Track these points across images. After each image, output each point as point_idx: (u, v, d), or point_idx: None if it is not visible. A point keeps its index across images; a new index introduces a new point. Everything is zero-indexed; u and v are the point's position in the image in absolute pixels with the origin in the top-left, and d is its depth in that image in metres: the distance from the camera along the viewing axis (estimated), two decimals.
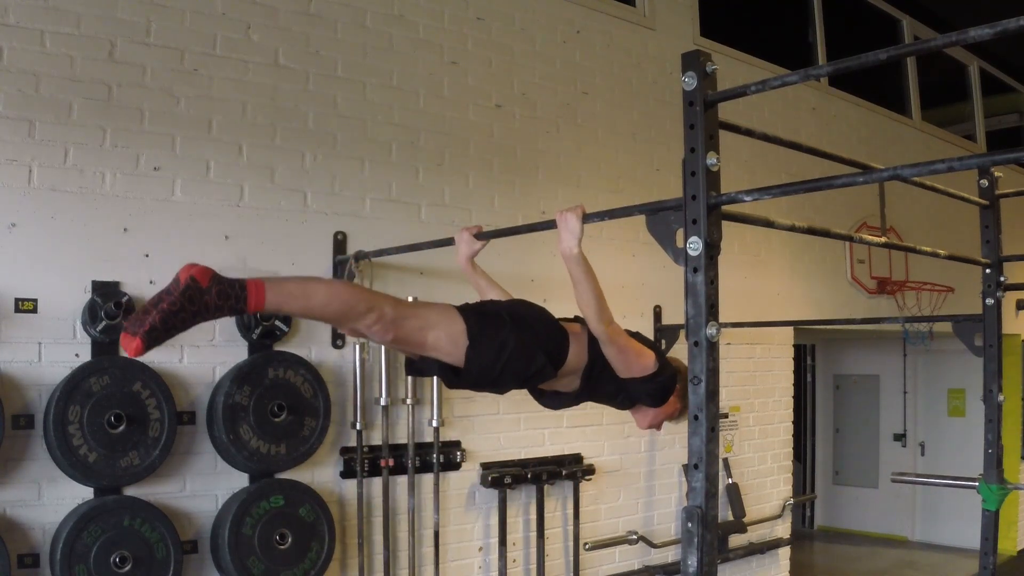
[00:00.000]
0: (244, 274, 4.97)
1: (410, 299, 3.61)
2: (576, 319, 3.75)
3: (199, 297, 2.96)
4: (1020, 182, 7.24)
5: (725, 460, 7.65)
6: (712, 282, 2.93)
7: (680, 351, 3.41)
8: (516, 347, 3.48)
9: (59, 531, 4.38)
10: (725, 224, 3.03)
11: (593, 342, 3.60)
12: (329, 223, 5.42)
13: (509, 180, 6.32)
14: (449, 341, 3.41)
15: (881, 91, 10.23)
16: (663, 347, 7.12)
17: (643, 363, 3.62)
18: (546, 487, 6.29)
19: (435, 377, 4.16)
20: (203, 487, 4.91)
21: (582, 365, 3.66)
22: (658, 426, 3.89)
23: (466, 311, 3.52)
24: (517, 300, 3.85)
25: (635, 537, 6.76)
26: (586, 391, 3.76)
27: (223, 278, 3.02)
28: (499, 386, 3.67)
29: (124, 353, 3.40)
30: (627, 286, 6.94)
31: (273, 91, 5.27)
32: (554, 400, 3.86)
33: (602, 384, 3.71)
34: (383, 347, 5.50)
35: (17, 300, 4.40)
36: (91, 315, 4.51)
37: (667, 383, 3.70)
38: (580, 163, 6.79)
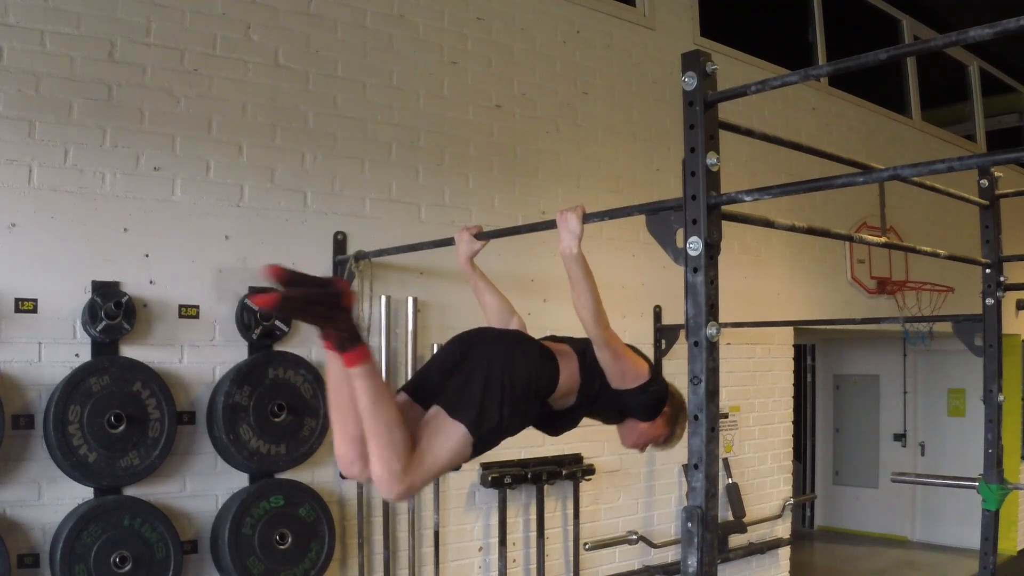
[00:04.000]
0: (245, 274, 5.02)
1: (399, 399, 3.40)
2: (563, 340, 3.74)
3: (333, 313, 3.00)
4: (1020, 182, 7.25)
5: (725, 460, 7.65)
6: (712, 282, 2.93)
7: (680, 351, 3.41)
8: (511, 413, 3.38)
9: (59, 531, 4.38)
10: (725, 224, 3.03)
11: (584, 360, 3.57)
12: (329, 223, 5.42)
13: (509, 180, 6.32)
14: (459, 457, 3.37)
15: (881, 91, 10.23)
16: (663, 347, 7.13)
17: (637, 371, 3.57)
18: (546, 487, 6.29)
19: None
20: (203, 487, 4.91)
21: (576, 384, 3.59)
22: (642, 447, 3.81)
23: (462, 415, 3.35)
24: (493, 350, 3.53)
25: (635, 537, 6.77)
26: (584, 407, 3.68)
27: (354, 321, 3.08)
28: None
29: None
30: (627, 286, 6.95)
31: (273, 91, 5.27)
32: (554, 427, 3.78)
33: (597, 399, 3.64)
34: (383, 348, 5.50)
35: (17, 300, 4.40)
36: (91, 315, 4.50)
37: (660, 394, 3.66)
38: (580, 163, 6.79)
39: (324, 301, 2.99)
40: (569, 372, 3.57)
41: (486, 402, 3.33)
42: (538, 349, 3.60)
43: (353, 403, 3.16)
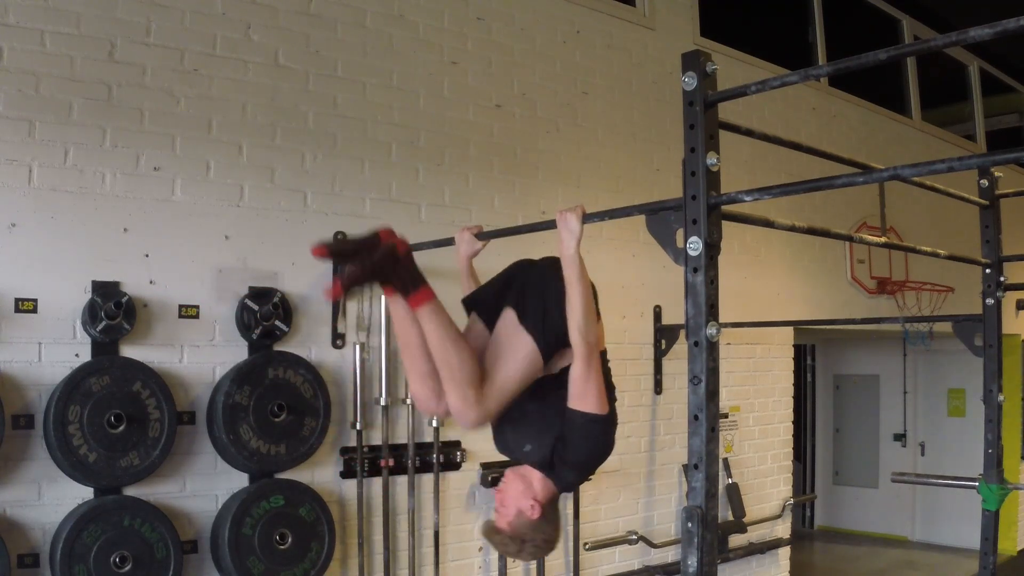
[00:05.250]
0: (245, 274, 5.02)
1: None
2: None
3: (392, 264, 3.29)
4: (1020, 182, 7.24)
5: (725, 460, 7.65)
6: (712, 282, 2.94)
7: (680, 351, 3.40)
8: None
9: (59, 531, 4.38)
10: (725, 224, 3.03)
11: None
12: (329, 223, 5.42)
13: (509, 180, 6.32)
14: (531, 371, 3.48)
15: (881, 91, 10.22)
16: (663, 347, 7.14)
17: (599, 399, 3.44)
18: None
19: None
20: (203, 487, 4.91)
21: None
22: (507, 520, 3.54)
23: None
24: (545, 268, 3.68)
25: (635, 537, 6.77)
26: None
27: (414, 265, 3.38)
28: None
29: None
30: (627, 286, 6.95)
31: (273, 91, 5.27)
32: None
33: (547, 396, 3.53)
34: (383, 347, 5.50)
35: (17, 300, 4.40)
36: (91, 315, 4.50)
37: (605, 436, 3.52)
38: (580, 163, 6.79)
39: (381, 261, 3.24)
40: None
41: (549, 306, 3.47)
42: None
43: (421, 342, 3.40)
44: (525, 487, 3.53)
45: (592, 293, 3.50)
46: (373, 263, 3.22)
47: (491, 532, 3.59)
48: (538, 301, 3.51)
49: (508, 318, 3.56)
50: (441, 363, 3.34)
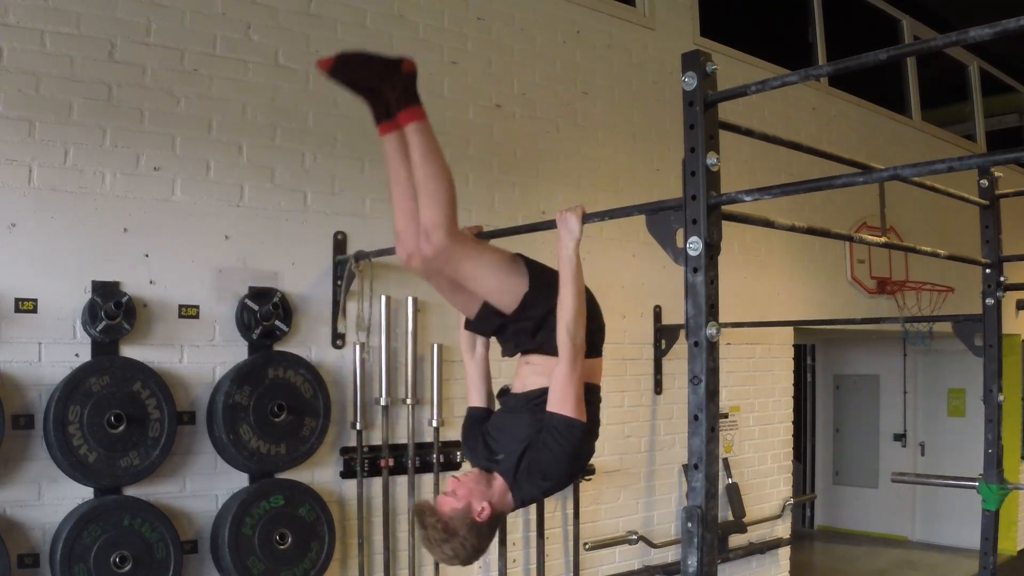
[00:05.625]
0: (245, 274, 5.02)
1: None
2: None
3: (390, 74, 3.48)
4: (1020, 182, 7.24)
5: (725, 460, 7.65)
6: (712, 282, 2.94)
7: (680, 351, 3.40)
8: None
9: (59, 531, 4.38)
10: (725, 224, 3.03)
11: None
12: (329, 223, 5.42)
13: (509, 180, 6.32)
14: (501, 267, 3.55)
15: (881, 91, 10.23)
16: (663, 347, 7.14)
17: (578, 404, 3.35)
18: None
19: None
20: (203, 487, 4.91)
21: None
22: (452, 508, 3.39)
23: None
24: None
25: (635, 537, 6.77)
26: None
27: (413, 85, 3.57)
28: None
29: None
30: (627, 286, 6.95)
31: (273, 91, 5.27)
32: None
33: (524, 410, 3.51)
34: (383, 347, 5.50)
35: (17, 300, 4.40)
36: (91, 315, 4.50)
37: (582, 445, 3.41)
38: (580, 163, 6.79)
39: (383, 64, 3.42)
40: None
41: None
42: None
43: (410, 175, 3.57)
44: (485, 488, 3.44)
45: (597, 311, 3.59)
46: (375, 61, 3.42)
47: (427, 510, 3.41)
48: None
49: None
50: (420, 185, 3.46)
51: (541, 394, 3.47)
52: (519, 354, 3.70)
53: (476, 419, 3.80)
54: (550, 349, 3.45)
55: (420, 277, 3.83)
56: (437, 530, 3.35)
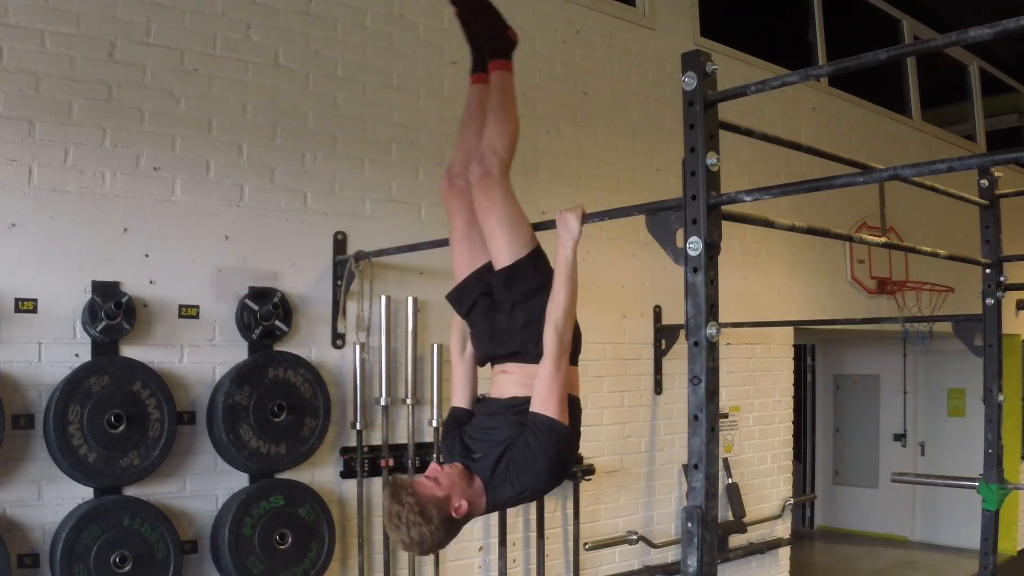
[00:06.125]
0: (245, 274, 5.02)
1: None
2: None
3: (497, 30, 4.04)
4: (1020, 182, 7.25)
5: (725, 460, 7.65)
6: (712, 282, 2.94)
7: (680, 351, 3.40)
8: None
9: (59, 531, 4.38)
10: (725, 224, 3.03)
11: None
12: (329, 223, 5.42)
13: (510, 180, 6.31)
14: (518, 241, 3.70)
15: (881, 91, 10.22)
16: (663, 347, 7.14)
17: (561, 406, 3.38)
18: None
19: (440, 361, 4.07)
20: (203, 487, 4.91)
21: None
22: (430, 493, 3.32)
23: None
24: None
25: (635, 537, 6.76)
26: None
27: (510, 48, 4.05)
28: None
29: None
30: (627, 286, 6.95)
31: (273, 91, 5.27)
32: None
33: (506, 416, 3.52)
34: (383, 347, 5.50)
35: (17, 300, 4.40)
36: (91, 315, 4.50)
37: (563, 449, 3.40)
38: (580, 163, 6.79)
39: (496, 14, 4.01)
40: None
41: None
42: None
43: (482, 118, 3.91)
44: (467, 486, 3.40)
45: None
46: (492, 14, 4.02)
47: (405, 488, 3.32)
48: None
49: None
50: (497, 115, 3.82)
51: (523, 402, 3.47)
52: (492, 363, 3.76)
53: (457, 420, 3.80)
54: (528, 353, 3.52)
55: (448, 206, 4.02)
56: (412, 511, 3.25)
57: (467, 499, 3.38)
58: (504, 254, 3.62)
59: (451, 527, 3.38)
